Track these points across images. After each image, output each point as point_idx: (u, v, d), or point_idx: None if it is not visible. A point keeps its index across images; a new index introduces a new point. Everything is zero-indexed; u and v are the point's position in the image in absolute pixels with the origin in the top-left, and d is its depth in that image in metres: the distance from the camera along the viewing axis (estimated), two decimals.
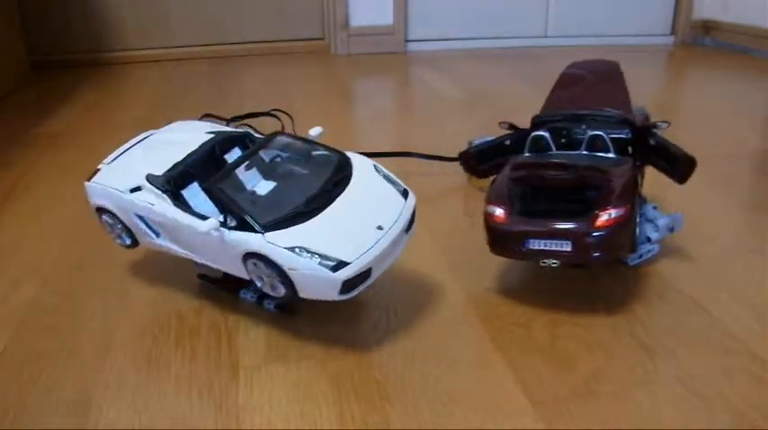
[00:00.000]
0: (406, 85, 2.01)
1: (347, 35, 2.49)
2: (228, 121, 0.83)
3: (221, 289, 0.81)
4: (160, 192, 0.71)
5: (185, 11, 2.41)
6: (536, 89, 1.90)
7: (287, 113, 0.90)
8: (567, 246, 0.70)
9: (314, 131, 0.78)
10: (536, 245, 0.71)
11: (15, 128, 1.58)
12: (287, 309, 0.77)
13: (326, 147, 0.75)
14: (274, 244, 0.63)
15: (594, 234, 0.69)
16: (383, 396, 0.63)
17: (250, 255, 0.65)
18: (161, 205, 0.71)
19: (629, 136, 0.82)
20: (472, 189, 1.11)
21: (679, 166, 0.81)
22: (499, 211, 0.73)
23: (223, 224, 0.66)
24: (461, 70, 2.18)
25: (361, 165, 0.74)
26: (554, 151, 0.82)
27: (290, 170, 0.74)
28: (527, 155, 0.83)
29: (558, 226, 0.70)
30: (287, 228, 0.64)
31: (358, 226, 0.67)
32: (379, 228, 0.68)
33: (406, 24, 2.52)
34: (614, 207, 0.70)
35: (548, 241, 0.70)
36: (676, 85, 2.03)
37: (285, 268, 0.63)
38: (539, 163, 0.79)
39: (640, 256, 0.84)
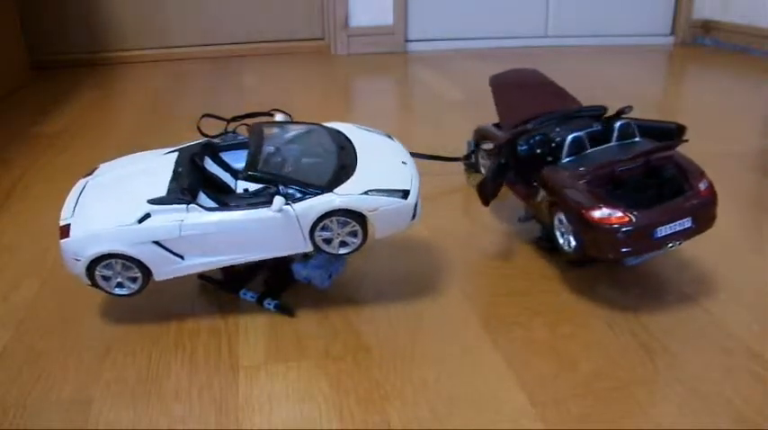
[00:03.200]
0: (406, 85, 2.01)
1: (347, 35, 2.48)
2: (229, 121, 0.83)
3: (221, 289, 0.81)
4: (185, 207, 0.69)
5: (185, 11, 2.41)
6: None
7: (287, 113, 0.90)
8: (687, 223, 0.72)
9: (278, 118, 0.81)
10: (663, 232, 0.71)
11: (15, 127, 1.58)
12: (287, 309, 0.77)
13: (303, 123, 0.81)
14: (349, 194, 0.69)
15: (705, 203, 0.73)
16: (383, 396, 0.63)
17: (324, 217, 0.69)
18: (196, 216, 0.69)
19: (600, 128, 0.84)
20: (472, 189, 1.11)
21: (672, 138, 0.84)
22: (618, 213, 0.70)
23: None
24: (461, 70, 2.18)
25: (344, 126, 0.82)
26: (589, 149, 0.81)
27: (293, 149, 0.76)
28: (568, 159, 0.81)
29: (677, 206, 0.72)
30: (345, 182, 0.70)
31: (391, 165, 0.75)
32: (404, 163, 0.77)
33: (406, 24, 2.52)
34: (703, 176, 0.75)
35: (672, 224, 0.71)
36: (676, 84, 2.03)
37: (366, 212, 0.70)
38: (609, 161, 0.77)
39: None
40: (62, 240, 0.71)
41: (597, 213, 0.71)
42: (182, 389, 0.65)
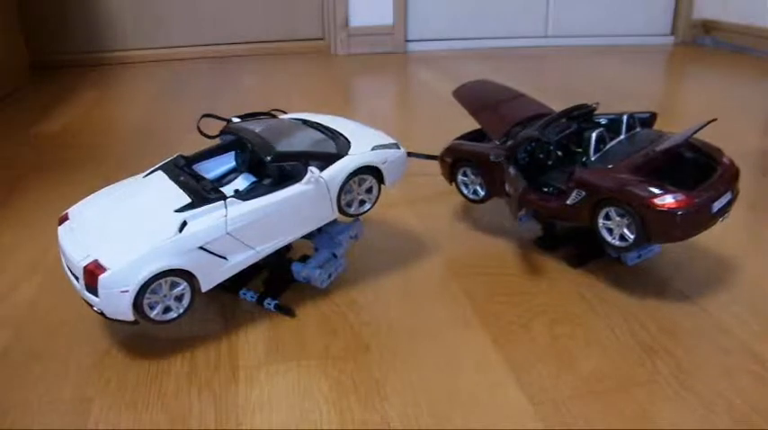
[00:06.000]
0: (405, 85, 2.01)
1: (347, 35, 2.49)
2: (229, 121, 0.83)
3: (221, 289, 0.81)
4: (222, 203, 0.68)
5: (185, 11, 2.41)
6: (536, 89, 1.90)
7: (286, 113, 0.90)
8: (729, 195, 0.76)
9: (235, 119, 0.83)
10: (716, 207, 0.74)
11: (15, 128, 1.58)
12: (287, 309, 0.77)
13: (261, 119, 0.84)
14: (364, 152, 0.77)
15: (735, 176, 0.78)
16: (383, 396, 0.63)
17: (349, 178, 0.76)
18: (238, 208, 0.69)
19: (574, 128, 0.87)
20: None
21: (649, 126, 0.89)
22: (680, 196, 0.72)
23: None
24: (461, 70, 2.18)
25: (296, 115, 0.88)
26: (609, 144, 0.83)
27: (283, 135, 0.78)
28: (596, 156, 0.82)
29: (720, 182, 0.75)
30: (351, 146, 0.78)
31: (367, 130, 0.84)
32: (373, 129, 0.85)
33: (406, 24, 2.52)
34: (722, 152, 0.80)
35: (721, 200, 0.75)
36: (676, 84, 2.03)
37: (380, 164, 0.78)
38: (661, 150, 0.79)
39: (639, 256, 0.84)
40: (101, 276, 0.63)
41: (661, 200, 0.73)
42: (182, 389, 0.65)
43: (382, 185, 0.80)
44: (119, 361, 0.69)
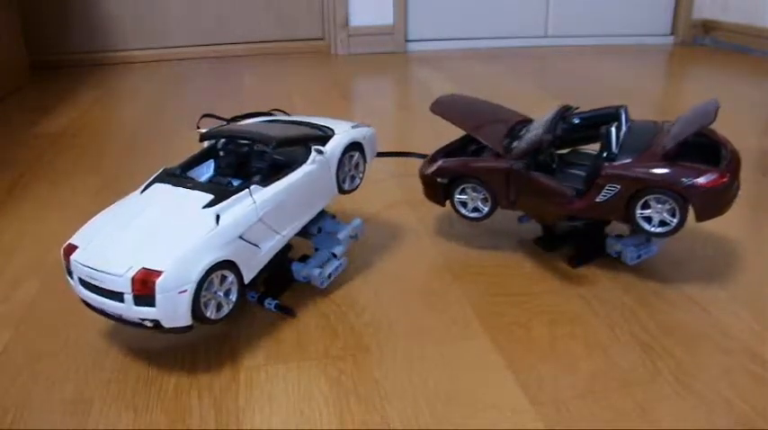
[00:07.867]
0: (405, 85, 2.01)
1: (347, 35, 2.49)
2: (229, 121, 0.83)
3: None
4: (247, 191, 0.69)
5: (185, 11, 2.41)
6: (536, 89, 1.90)
7: (286, 113, 0.90)
8: (738, 174, 0.79)
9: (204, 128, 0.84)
10: (736, 185, 0.78)
11: (15, 128, 1.58)
12: (287, 309, 0.77)
13: (264, 114, 0.91)
14: (347, 131, 0.83)
15: (738, 160, 0.81)
16: (383, 396, 0.63)
17: (344, 152, 0.81)
18: (263, 194, 0.70)
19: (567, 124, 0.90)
20: None
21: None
22: (715, 174, 0.74)
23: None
24: (461, 70, 2.18)
25: (263, 118, 0.91)
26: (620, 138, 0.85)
27: (270, 130, 0.80)
28: (616, 149, 0.82)
29: (735, 163, 0.78)
30: (334, 128, 0.83)
31: (332, 119, 0.89)
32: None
33: (406, 24, 2.52)
34: (716, 132, 0.85)
35: (737, 178, 0.78)
36: (676, 84, 2.03)
37: (362, 140, 0.85)
38: (669, 143, 0.80)
39: (639, 256, 0.84)
40: (158, 280, 0.60)
41: (703, 180, 0.74)
42: (182, 390, 0.65)
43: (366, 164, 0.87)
44: (119, 361, 0.69)
